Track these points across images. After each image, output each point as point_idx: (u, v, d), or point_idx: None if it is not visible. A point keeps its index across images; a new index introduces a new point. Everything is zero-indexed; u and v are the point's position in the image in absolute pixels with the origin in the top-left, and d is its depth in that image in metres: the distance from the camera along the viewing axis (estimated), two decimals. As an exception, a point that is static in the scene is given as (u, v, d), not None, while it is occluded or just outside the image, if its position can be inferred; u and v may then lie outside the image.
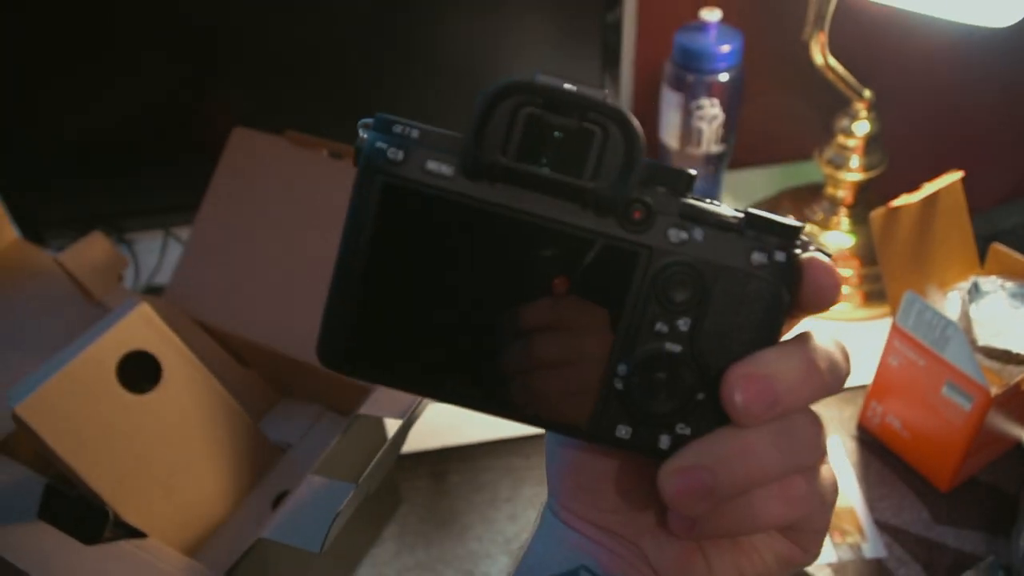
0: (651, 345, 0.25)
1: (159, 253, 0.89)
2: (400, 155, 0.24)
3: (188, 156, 0.78)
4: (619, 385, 0.25)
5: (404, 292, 0.25)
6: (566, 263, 0.25)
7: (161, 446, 0.57)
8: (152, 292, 0.84)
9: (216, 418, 0.59)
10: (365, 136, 0.24)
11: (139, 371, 0.58)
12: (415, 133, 0.24)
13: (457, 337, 0.25)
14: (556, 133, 0.24)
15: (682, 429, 0.25)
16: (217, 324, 0.68)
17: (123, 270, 0.70)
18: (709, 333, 0.25)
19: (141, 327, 0.57)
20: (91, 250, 0.68)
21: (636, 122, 0.24)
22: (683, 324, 0.25)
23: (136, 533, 0.53)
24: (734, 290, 0.25)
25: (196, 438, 0.58)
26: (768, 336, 0.25)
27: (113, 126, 0.84)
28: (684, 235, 0.24)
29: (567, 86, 0.24)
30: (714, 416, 0.25)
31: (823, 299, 0.25)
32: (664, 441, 0.25)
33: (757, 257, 0.25)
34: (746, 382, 0.24)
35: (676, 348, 0.25)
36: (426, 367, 0.25)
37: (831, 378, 0.25)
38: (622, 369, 0.25)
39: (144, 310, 0.57)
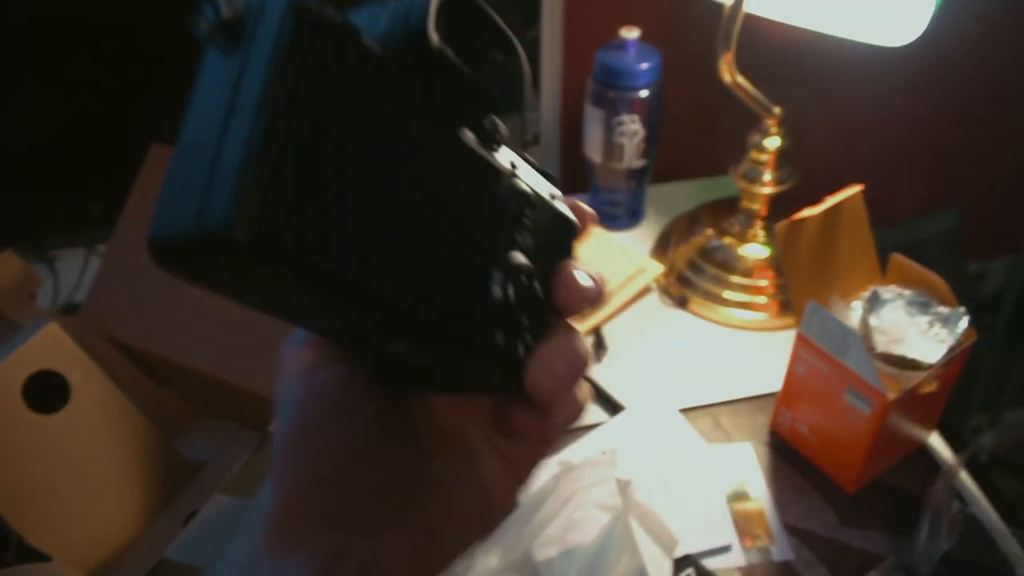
0: (515, 254, 0.28)
1: (80, 271, 0.88)
2: (339, 18, 0.21)
3: (112, 174, 0.78)
4: (496, 291, 0.27)
5: (330, 172, 0.21)
6: (451, 165, 0.26)
7: (69, 467, 0.56)
8: (71, 310, 0.83)
9: (127, 437, 0.59)
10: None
11: (47, 391, 0.57)
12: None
13: (374, 228, 0.22)
14: (464, 45, 0.25)
15: (527, 337, 0.28)
16: (133, 342, 0.67)
17: (37, 288, 0.69)
18: (539, 248, 0.29)
19: (49, 346, 0.57)
20: (3, 269, 0.67)
21: (523, 54, 0.27)
22: (527, 238, 0.28)
23: (40, 556, 0.52)
24: (547, 215, 0.29)
25: (106, 458, 0.58)
26: (568, 252, 0.30)
27: (36, 143, 0.83)
28: (519, 164, 0.29)
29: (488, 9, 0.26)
30: (544, 320, 0.29)
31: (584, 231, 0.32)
32: (521, 350, 0.28)
33: (554, 190, 0.30)
34: (584, 282, 0.29)
35: (525, 260, 0.28)
36: (354, 260, 0.21)
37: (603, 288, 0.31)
38: (497, 276, 0.27)
39: (52, 329, 0.57)
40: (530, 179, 0.29)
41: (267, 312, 0.23)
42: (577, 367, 0.28)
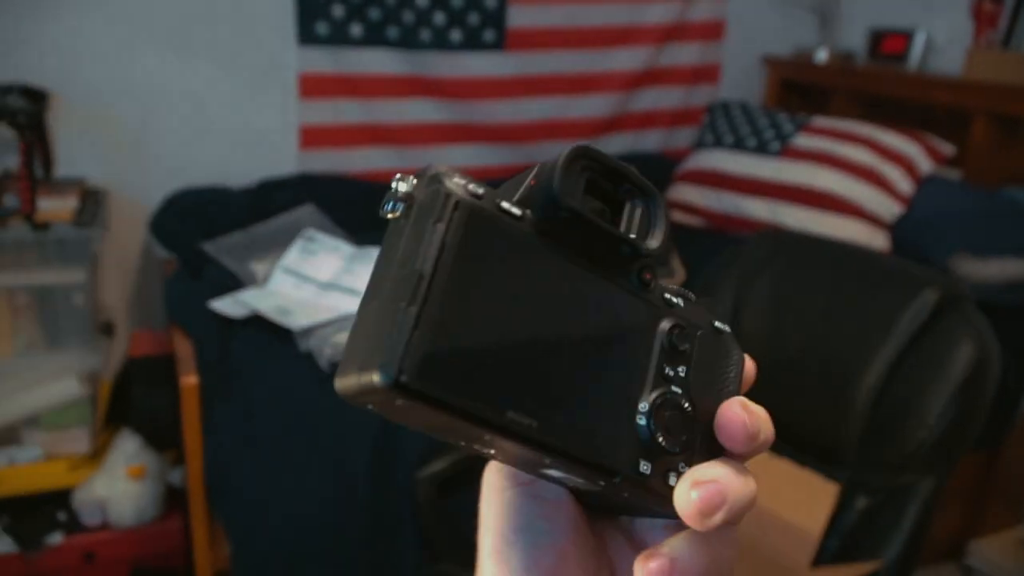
0: (663, 386, 0.29)
1: None
2: (480, 190, 0.26)
3: None
4: (641, 421, 0.29)
5: (481, 316, 0.26)
6: (604, 308, 0.28)
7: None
8: None
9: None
10: (408, 182, 0.27)
11: None
12: (474, 180, 0.27)
13: (521, 364, 0.26)
14: (601, 195, 0.29)
15: (682, 467, 0.29)
16: None
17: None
18: (695, 379, 0.30)
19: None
20: None
21: (662, 198, 0.29)
22: (682, 371, 0.30)
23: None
24: (709, 346, 0.31)
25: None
26: (734, 386, 0.31)
27: None
28: (675, 300, 0.31)
29: (618, 161, 0.29)
30: (705, 454, 0.30)
31: (746, 384, 0.32)
32: (672, 478, 0.29)
33: (719, 324, 0.32)
34: (743, 416, 0.29)
35: (679, 390, 0.30)
36: (494, 394, 0.26)
37: (773, 429, 0.31)
38: (643, 407, 0.29)
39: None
40: (688, 314, 0.30)
41: (449, 441, 0.27)
42: (719, 499, 0.27)
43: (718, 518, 0.27)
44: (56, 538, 1.55)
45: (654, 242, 0.29)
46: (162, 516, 1.63)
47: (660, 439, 0.28)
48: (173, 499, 1.66)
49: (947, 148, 1.95)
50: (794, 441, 1.20)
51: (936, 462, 1.09)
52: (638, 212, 0.29)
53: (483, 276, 0.26)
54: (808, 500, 1.06)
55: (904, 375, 1.13)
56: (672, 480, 0.29)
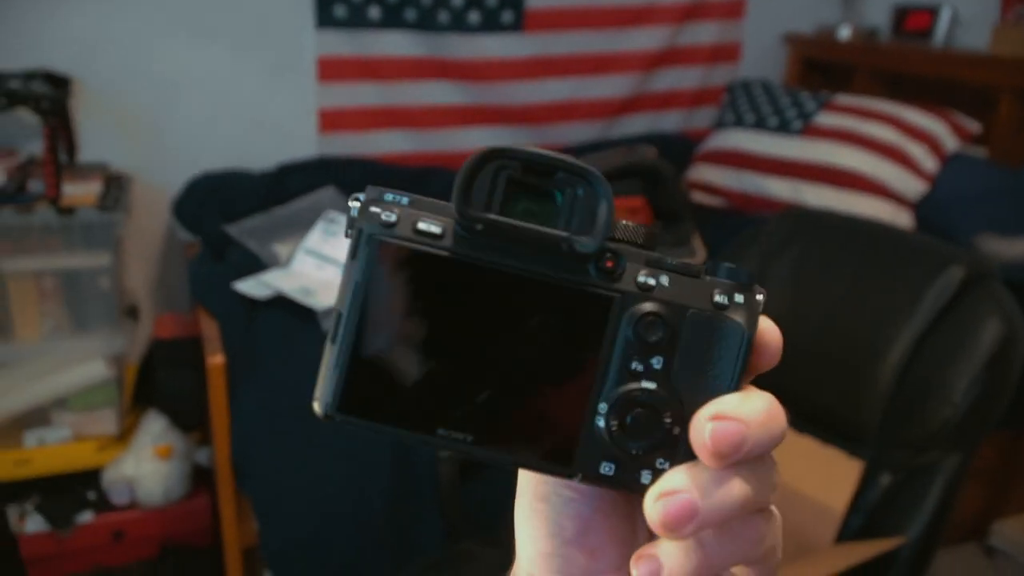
0: (628, 383, 0.27)
1: None
2: (393, 217, 0.26)
3: None
4: (600, 423, 0.27)
5: (401, 343, 0.26)
6: (545, 311, 0.27)
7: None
8: None
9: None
10: (358, 204, 0.27)
11: None
12: (405, 200, 0.27)
13: (448, 384, 0.27)
14: (532, 192, 0.27)
15: (661, 464, 0.27)
16: None
17: None
18: (680, 370, 0.27)
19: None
20: None
21: (604, 180, 0.26)
22: (656, 362, 0.27)
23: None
24: (700, 329, 0.27)
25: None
26: (733, 371, 0.27)
27: None
28: (652, 281, 0.27)
29: (539, 151, 0.27)
30: (690, 450, 0.27)
31: (769, 357, 0.28)
32: (645, 476, 0.27)
33: (719, 299, 0.27)
34: (702, 436, 0.26)
35: (651, 385, 0.27)
36: (420, 415, 0.27)
37: (783, 424, 0.27)
38: (602, 407, 0.27)
39: None
40: (674, 295, 0.27)
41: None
42: (686, 512, 0.25)
43: (689, 529, 0.26)
44: (86, 517, 1.58)
45: (587, 238, 0.27)
46: (190, 495, 1.66)
47: (621, 439, 0.27)
48: (201, 478, 1.69)
49: (973, 126, 1.92)
50: (817, 419, 1.20)
51: (960, 441, 1.09)
52: (580, 200, 0.27)
53: (397, 305, 0.26)
54: (832, 477, 1.06)
55: (929, 353, 1.13)
56: (646, 478, 0.27)
